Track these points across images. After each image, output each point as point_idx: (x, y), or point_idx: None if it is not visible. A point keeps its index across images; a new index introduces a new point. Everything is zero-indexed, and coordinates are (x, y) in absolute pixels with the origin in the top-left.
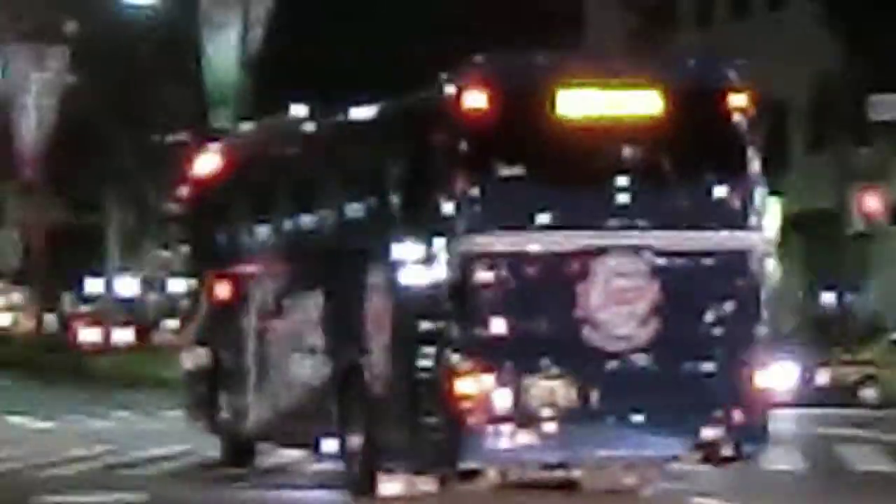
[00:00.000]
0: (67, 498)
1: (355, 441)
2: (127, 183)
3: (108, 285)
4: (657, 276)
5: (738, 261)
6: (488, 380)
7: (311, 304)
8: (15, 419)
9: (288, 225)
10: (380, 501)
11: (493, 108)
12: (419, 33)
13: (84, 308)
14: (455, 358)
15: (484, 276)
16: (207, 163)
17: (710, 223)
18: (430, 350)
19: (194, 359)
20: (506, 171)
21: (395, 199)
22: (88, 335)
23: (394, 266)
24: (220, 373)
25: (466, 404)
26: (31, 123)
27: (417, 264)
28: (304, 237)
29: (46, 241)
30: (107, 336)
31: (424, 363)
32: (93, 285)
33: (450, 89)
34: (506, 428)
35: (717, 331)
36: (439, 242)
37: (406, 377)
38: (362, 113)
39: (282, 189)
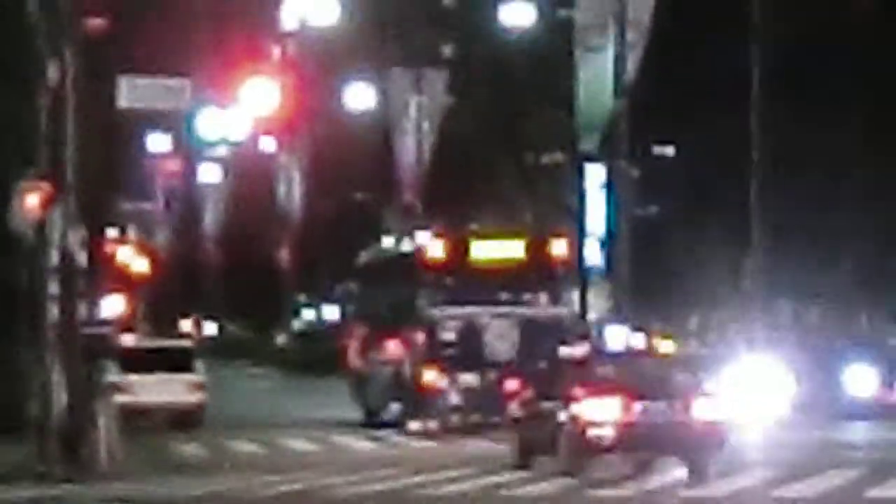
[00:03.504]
0: None
1: (400, 406)
2: (503, 203)
3: None
4: (517, 327)
5: (555, 321)
6: (440, 374)
7: (398, 348)
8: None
9: (373, 303)
10: (410, 433)
11: (444, 253)
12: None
13: None
14: (426, 364)
15: (440, 327)
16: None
17: (541, 304)
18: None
19: None
20: (448, 282)
21: (407, 293)
22: None
23: (410, 325)
24: None
25: (429, 385)
26: (411, 146)
27: (416, 324)
28: (386, 312)
29: None
30: None
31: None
32: None
33: (424, 244)
34: (448, 396)
35: (546, 351)
36: (421, 314)
37: (410, 376)
38: (394, 249)
39: (382, 282)
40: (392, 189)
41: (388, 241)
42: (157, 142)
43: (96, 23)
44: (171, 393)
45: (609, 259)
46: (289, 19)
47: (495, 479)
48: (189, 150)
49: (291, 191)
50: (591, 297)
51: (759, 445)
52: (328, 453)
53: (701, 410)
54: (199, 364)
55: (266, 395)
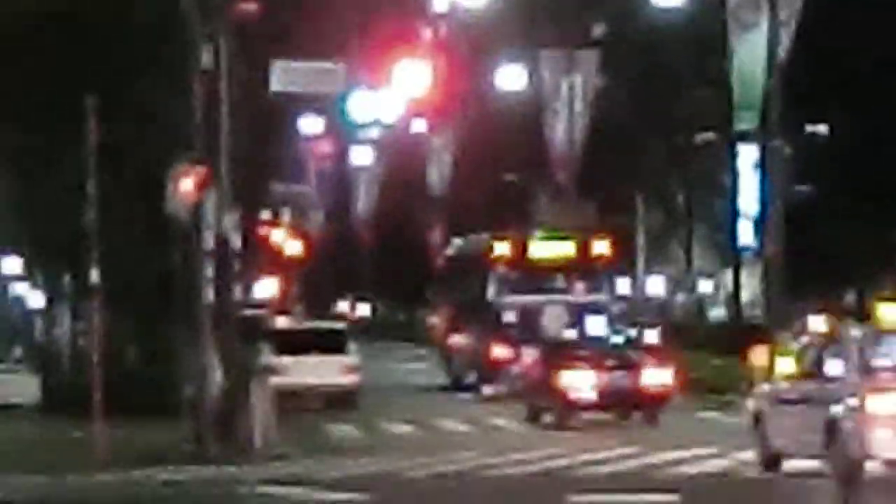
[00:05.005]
0: (601, 497)
1: (477, 375)
2: (654, 183)
3: (636, 285)
4: (570, 309)
5: (598, 304)
6: (506, 349)
7: (475, 327)
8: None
9: (455, 289)
10: (483, 396)
11: (509, 251)
12: None
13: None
14: (493, 339)
15: (505, 311)
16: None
17: (589, 292)
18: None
19: None
20: (512, 275)
21: (481, 281)
22: None
23: (485, 308)
24: None
25: (498, 358)
26: (563, 126)
27: (486, 307)
28: (465, 297)
29: None
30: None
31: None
32: (621, 285)
33: (494, 243)
34: (513, 366)
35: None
36: (491, 300)
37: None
38: (471, 245)
39: (462, 273)
40: (544, 170)
41: (474, 237)
42: (310, 124)
43: (248, 8)
44: (325, 375)
45: (762, 239)
46: (440, 1)
47: (651, 459)
48: (341, 132)
49: (443, 172)
50: (744, 276)
51: None
52: (481, 434)
53: (648, 377)
54: (352, 345)
55: (420, 374)
